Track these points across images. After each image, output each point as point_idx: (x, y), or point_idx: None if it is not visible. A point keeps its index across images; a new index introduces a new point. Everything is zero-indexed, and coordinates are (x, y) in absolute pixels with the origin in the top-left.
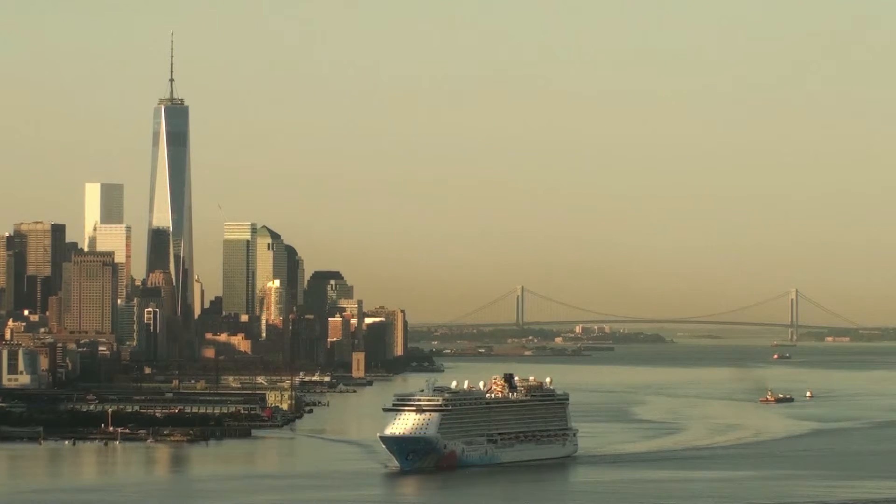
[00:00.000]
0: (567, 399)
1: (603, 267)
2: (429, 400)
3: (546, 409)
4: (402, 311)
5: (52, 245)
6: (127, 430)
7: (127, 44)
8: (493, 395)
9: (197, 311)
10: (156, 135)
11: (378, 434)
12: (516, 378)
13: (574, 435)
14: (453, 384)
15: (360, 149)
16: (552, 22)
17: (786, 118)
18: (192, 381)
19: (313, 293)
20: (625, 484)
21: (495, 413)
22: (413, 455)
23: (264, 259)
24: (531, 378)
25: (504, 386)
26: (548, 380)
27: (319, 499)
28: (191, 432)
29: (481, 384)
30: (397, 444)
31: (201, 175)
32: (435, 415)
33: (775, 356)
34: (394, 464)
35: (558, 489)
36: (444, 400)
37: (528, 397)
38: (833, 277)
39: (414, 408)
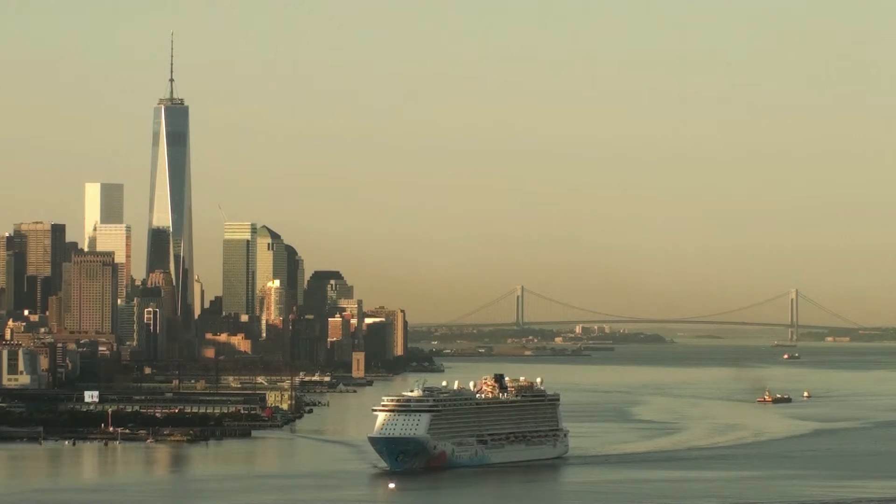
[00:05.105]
0: (558, 399)
1: (603, 267)
2: (418, 400)
3: (537, 410)
4: (402, 311)
5: (52, 245)
6: (127, 430)
7: (127, 44)
8: (483, 395)
9: (197, 311)
10: (156, 135)
11: (367, 435)
12: (507, 378)
13: (565, 435)
14: (443, 384)
15: (361, 149)
16: (554, 22)
17: (786, 119)
18: (192, 381)
19: (313, 293)
20: (625, 484)
21: (485, 414)
22: (403, 456)
23: (264, 259)
24: (522, 378)
25: (494, 386)
26: (538, 380)
27: (319, 499)
28: (191, 432)
29: (471, 384)
30: (387, 446)
31: (201, 175)
32: (425, 415)
33: (785, 356)
34: (383, 464)
35: (556, 489)
36: (433, 400)
37: (519, 398)
38: (833, 277)
39: (403, 408)
